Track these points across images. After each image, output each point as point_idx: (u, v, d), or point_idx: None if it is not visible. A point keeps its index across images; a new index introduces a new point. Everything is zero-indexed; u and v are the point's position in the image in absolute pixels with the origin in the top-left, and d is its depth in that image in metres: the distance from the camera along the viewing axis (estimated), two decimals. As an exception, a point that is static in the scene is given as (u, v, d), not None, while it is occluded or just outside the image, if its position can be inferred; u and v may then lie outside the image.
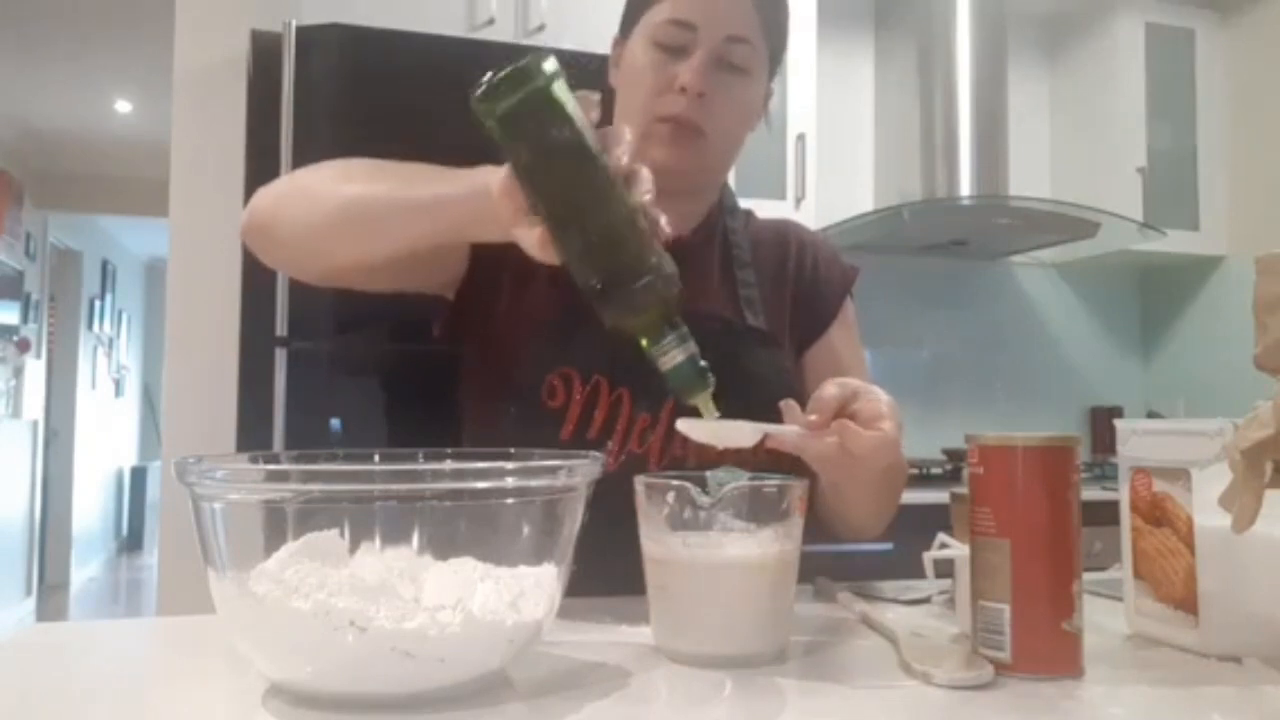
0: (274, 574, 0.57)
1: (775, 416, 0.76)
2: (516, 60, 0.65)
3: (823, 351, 1.09)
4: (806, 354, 1.08)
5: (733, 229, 1.10)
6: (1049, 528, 0.66)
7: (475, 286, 1.02)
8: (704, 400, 0.72)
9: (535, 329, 0.99)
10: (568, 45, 2.08)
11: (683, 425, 0.75)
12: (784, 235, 1.13)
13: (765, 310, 1.05)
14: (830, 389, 0.75)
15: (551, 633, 0.65)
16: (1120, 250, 2.95)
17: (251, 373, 2.03)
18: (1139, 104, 2.95)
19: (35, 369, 5.62)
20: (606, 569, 0.74)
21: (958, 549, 0.80)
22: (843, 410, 0.74)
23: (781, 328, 1.06)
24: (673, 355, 0.70)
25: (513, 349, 0.99)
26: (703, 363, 0.71)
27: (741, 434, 0.74)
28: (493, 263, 1.00)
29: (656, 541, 0.71)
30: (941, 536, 0.84)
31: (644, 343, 0.71)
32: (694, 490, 0.70)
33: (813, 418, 0.73)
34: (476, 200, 0.73)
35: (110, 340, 7.21)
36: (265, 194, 0.94)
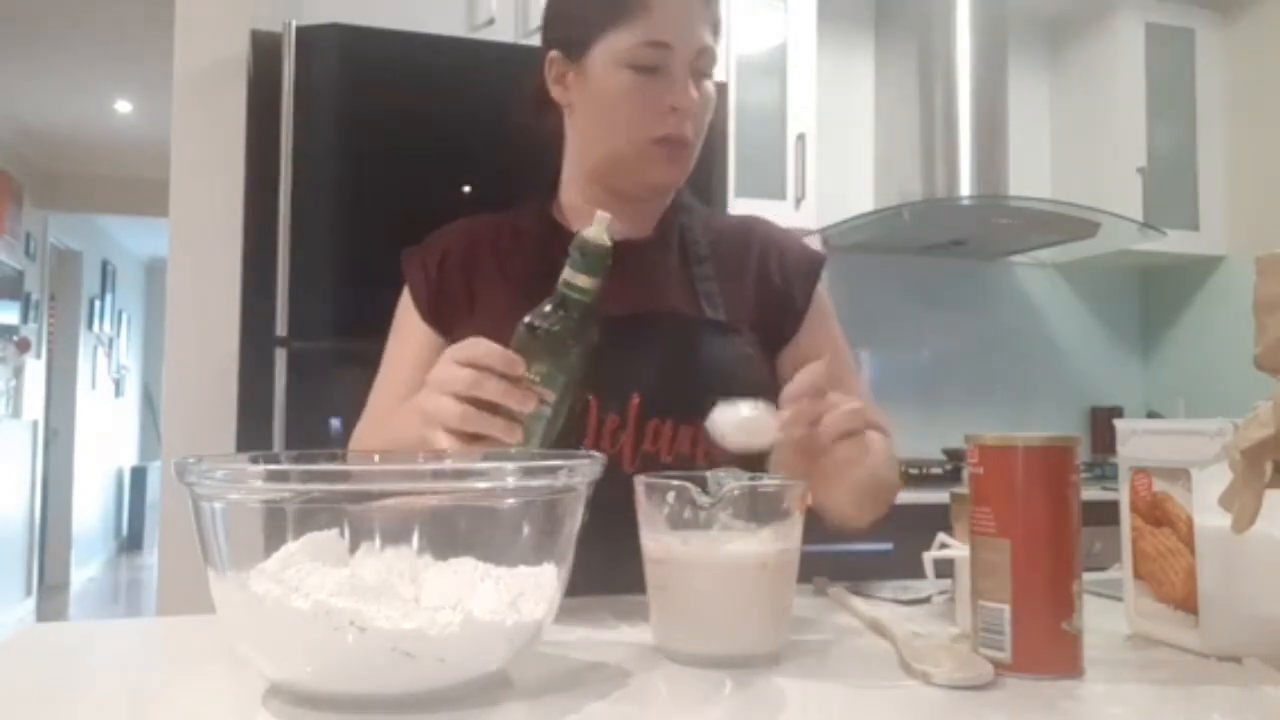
0: (274, 574, 0.57)
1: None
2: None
3: (806, 340, 1.11)
4: (788, 347, 1.10)
5: (689, 226, 1.12)
6: (1049, 528, 0.66)
7: (440, 303, 1.07)
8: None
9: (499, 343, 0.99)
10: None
11: (716, 431, 0.78)
12: (746, 232, 1.15)
13: (725, 303, 1.07)
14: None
15: (551, 633, 0.65)
16: (1120, 250, 2.95)
17: (251, 373, 2.03)
18: (1139, 104, 2.95)
19: (35, 369, 5.62)
20: (593, 567, 0.74)
21: (958, 549, 0.80)
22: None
23: (743, 319, 1.08)
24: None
25: None
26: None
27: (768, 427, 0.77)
28: (457, 283, 1.06)
29: (656, 541, 0.71)
30: (941, 536, 0.84)
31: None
32: (694, 490, 0.70)
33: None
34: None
35: (110, 340, 7.21)
36: None
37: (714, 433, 0.78)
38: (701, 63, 1.02)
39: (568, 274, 0.80)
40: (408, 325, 1.09)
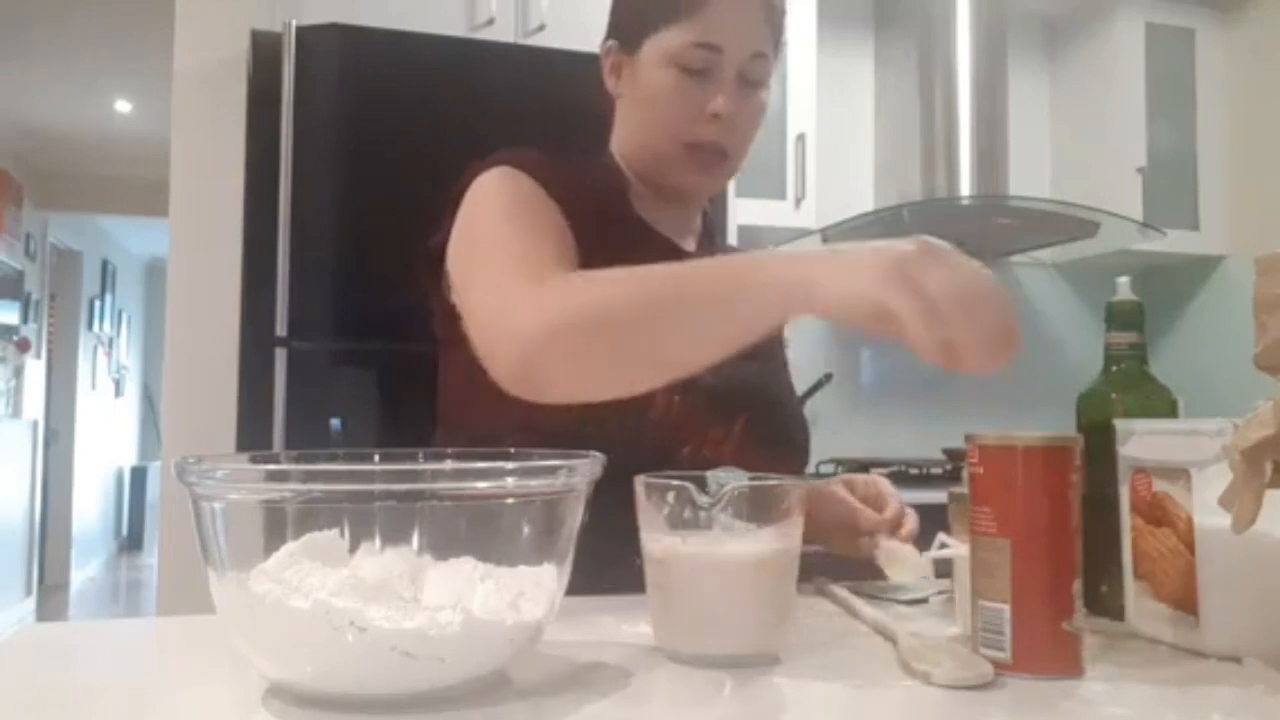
0: (274, 574, 0.57)
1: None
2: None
3: None
4: None
5: (716, 225, 1.13)
6: (1049, 528, 0.66)
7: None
8: None
9: None
10: (567, 45, 2.08)
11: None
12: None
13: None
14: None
15: (551, 633, 0.65)
16: (1120, 250, 2.95)
17: (251, 373, 2.03)
18: (1139, 104, 2.95)
19: (35, 369, 5.62)
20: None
21: (958, 549, 0.80)
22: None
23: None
24: None
25: None
26: None
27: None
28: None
29: (656, 541, 0.71)
30: (941, 536, 0.84)
31: None
32: (694, 490, 0.70)
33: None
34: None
35: (110, 340, 7.21)
36: (539, 338, 0.79)
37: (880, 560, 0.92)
38: (753, 69, 0.99)
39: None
40: (539, 204, 0.95)
